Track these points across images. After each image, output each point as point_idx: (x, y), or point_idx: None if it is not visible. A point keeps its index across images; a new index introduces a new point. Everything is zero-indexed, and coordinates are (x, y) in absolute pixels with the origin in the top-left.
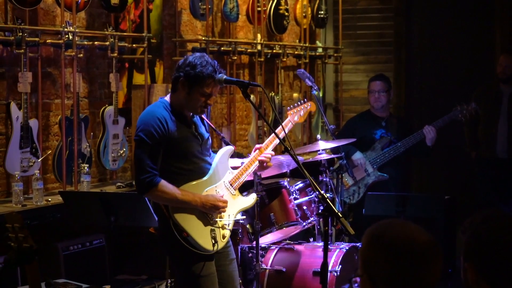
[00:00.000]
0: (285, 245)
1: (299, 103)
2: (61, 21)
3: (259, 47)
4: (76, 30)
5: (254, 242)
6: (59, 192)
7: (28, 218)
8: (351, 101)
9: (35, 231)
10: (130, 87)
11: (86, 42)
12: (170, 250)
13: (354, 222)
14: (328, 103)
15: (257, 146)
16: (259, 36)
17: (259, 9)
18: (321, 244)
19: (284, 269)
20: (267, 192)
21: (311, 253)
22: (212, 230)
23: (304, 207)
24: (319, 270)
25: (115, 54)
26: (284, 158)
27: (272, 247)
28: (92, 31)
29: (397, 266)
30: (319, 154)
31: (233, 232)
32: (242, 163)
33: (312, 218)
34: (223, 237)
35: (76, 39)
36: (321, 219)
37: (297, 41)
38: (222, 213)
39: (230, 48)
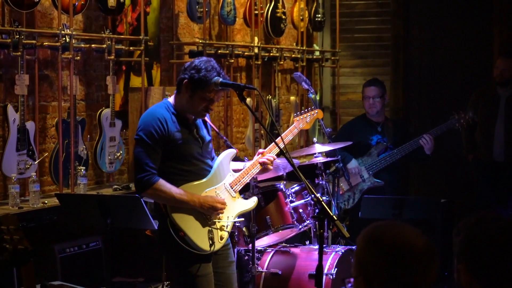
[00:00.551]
0: (281, 248)
1: (306, 110)
2: (58, 23)
3: (256, 50)
4: (73, 33)
5: (250, 245)
6: (56, 194)
7: (24, 220)
8: (348, 104)
9: (32, 233)
10: (127, 90)
11: (83, 45)
12: (167, 250)
13: (350, 225)
14: (325, 106)
15: (260, 150)
16: (256, 39)
17: (256, 12)
18: (317, 247)
19: (280, 272)
20: (263, 195)
21: (307, 256)
22: (209, 231)
23: (300, 210)
24: (315, 273)
25: (112, 57)
26: (280, 161)
27: (268, 250)
28: (89, 34)
29: (394, 268)
30: (315, 157)
31: (230, 235)
32: (245, 166)
33: (308, 221)
34: (221, 238)
35: (73, 42)
36: (316, 222)
37: (294, 44)
38: (221, 215)
39: (227, 51)
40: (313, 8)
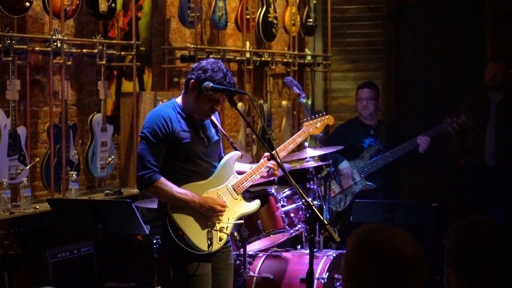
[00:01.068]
0: (272, 253)
1: (317, 115)
2: (50, 28)
3: (248, 55)
4: (65, 38)
5: (242, 249)
6: (47, 199)
7: (16, 225)
8: (340, 108)
9: (23, 238)
10: (119, 95)
11: (74, 50)
12: (167, 248)
13: (342, 229)
14: (317, 111)
15: (266, 154)
16: (248, 43)
17: (247, 17)
18: (308, 251)
19: (271, 277)
20: (254, 199)
21: (298, 261)
22: (209, 232)
23: (292, 215)
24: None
25: (104, 62)
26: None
27: (259, 255)
28: (80, 39)
29: (384, 275)
30: (307, 161)
31: None
32: (251, 168)
33: (299, 226)
34: (220, 239)
35: (65, 47)
36: (307, 226)
37: (286, 48)
38: (221, 216)
39: (219, 56)
40: (305, 13)
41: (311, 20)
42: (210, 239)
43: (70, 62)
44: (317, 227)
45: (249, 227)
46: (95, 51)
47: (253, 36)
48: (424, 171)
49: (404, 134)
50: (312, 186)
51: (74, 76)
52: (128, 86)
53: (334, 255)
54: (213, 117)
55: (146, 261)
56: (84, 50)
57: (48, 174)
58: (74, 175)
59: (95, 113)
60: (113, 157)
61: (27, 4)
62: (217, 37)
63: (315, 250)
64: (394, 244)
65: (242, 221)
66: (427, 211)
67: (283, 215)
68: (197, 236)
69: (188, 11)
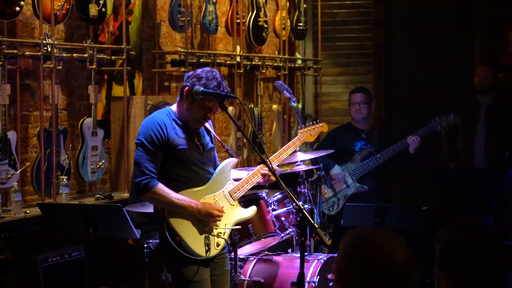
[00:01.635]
0: (263, 256)
1: (311, 123)
2: (40, 33)
3: (238, 59)
4: (55, 42)
5: (233, 253)
6: (38, 204)
7: (6, 230)
8: (330, 112)
9: (14, 243)
10: (109, 99)
11: (65, 54)
12: (165, 254)
13: (334, 233)
14: (308, 115)
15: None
16: (238, 47)
17: (238, 21)
18: (299, 255)
19: (262, 280)
20: (245, 203)
21: (289, 264)
22: (206, 237)
23: (282, 218)
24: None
25: (94, 66)
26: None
27: (250, 258)
28: (71, 43)
29: (371, 283)
30: (297, 165)
31: None
32: (247, 175)
33: (290, 229)
34: (217, 245)
35: (55, 51)
36: (298, 230)
37: (276, 52)
38: (218, 222)
39: (209, 60)
40: (295, 17)
41: (301, 24)
42: (207, 244)
43: (60, 67)
44: (307, 230)
45: (240, 231)
46: (86, 55)
47: (244, 40)
48: (414, 174)
49: (394, 138)
50: (302, 190)
51: (64, 81)
52: (118, 91)
53: (325, 258)
54: (207, 125)
55: (137, 265)
56: (74, 55)
57: (38, 178)
58: (64, 180)
59: (85, 117)
60: (103, 161)
61: (17, 8)
62: (208, 41)
63: (305, 254)
64: (384, 252)
65: (239, 227)
66: (417, 214)
67: (274, 219)
68: (194, 241)
69: (179, 15)
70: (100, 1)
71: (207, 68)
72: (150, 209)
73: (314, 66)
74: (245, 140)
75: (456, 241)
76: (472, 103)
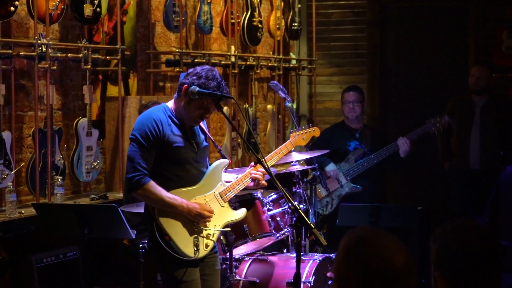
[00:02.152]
0: (258, 256)
1: (303, 127)
2: (35, 33)
3: (233, 59)
4: (50, 42)
5: (228, 254)
6: (33, 204)
7: (1, 230)
8: (325, 112)
9: (8, 243)
10: (104, 99)
11: (59, 54)
12: (155, 253)
13: (328, 233)
14: (302, 115)
15: (253, 163)
16: (233, 48)
17: (232, 21)
18: (294, 255)
19: (258, 280)
20: (240, 204)
21: (284, 264)
22: (195, 238)
23: (278, 218)
24: (292, 281)
25: (89, 66)
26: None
27: (246, 258)
28: (65, 43)
29: (369, 286)
30: (293, 165)
31: None
32: (237, 177)
33: (285, 229)
34: (206, 246)
35: (50, 51)
36: (293, 230)
37: (271, 53)
38: (208, 223)
39: (204, 60)
40: (290, 17)
41: (295, 24)
42: (196, 245)
43: (55, 67)
44: (303, 230)
45: (235, 231)
46: (80, 55)
47: (238, 40)
48: (408, 174)
49: (388, 138)
50: (298, 190)
51: (59, 81)
52: (113, 91)
53: (320, 258)
54: (201, 124)
55: (132, 265)
56: (69, 55)
57: (33, 179)
58: (59, 180)
59: (80, 117)
60: (98, 161)
61: (12, 8)
62: (202, 41)
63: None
64: (383, 254)
65: (229, 229)
66: (413, 214)
67: (269, 219)
68: (183, 242)
69: (173, 16)
70: (95, 1)
71: (208, 67)
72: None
73: (309, 66)
74: (239, 140)
75: (453, 242)
76: (467, 103)
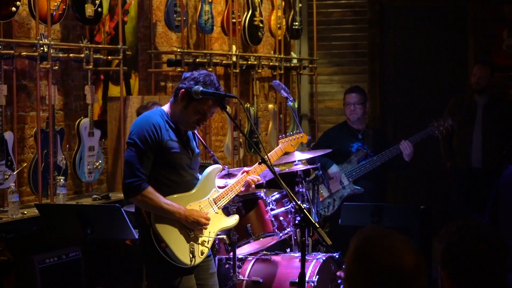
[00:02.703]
0: (262, 256)
1: (291, 133)
2: (36, 33)
3: (234, 59)
4: (51, 43)
5: (231, 253)
6: (35, 205)
7: (3, 231)
8: (326, 111)
9: (11, 244)
10: (106, 99)
11: (61, 55)
12: (149, 261)
13: (330, 232)
14: (303, 114)
15: (245, 169)
16: (234, 47)
17: (234, 20)
18: (297, 254)
19: (261, 280)
20: (243, 203)
21: (288, 264)
22: (191, 245)
23: (281, 218)
24: (296, 280)
25: (90, 66)
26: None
27: (249, 258)
28: (67, 43)
29: (378, 286)
30: (295, 165)
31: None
32: (226, 184)
33: (288, 229)
34: (201, 253)
35: (51, 52)
36: (298, 230)
37: (272, 52)
38: (204, 230)
39: (205, 60)
40: (290, 16)
41: (296, 23)
42: (192, 252)
43: (56, 67)
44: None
45: (239, 230)
46: (82, 55)
47: (239, 40)
48: (410, 174)
49: (388, 138)
50: (300, 190)
51: (60, 81)
52: (115, 91)
53: (324, 258)
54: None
55: (134, 266)
56: (70, 55)
57: (35, 179)
58: (61, 180)
59: (82, 117)
60: (100, 161)
61: (13, 9)
62: (203, 41)
63: None
64: (393, 256)
65: (224, 236)
66: (414, 214)
67: (272, 219)
68: (180, 249)
69: (174, 15)
70: (96, 1)
71: (204, 71)
72: None
73: (310, 66)
74: (241, 140)
75: (457, 242)
76: (468, 102)
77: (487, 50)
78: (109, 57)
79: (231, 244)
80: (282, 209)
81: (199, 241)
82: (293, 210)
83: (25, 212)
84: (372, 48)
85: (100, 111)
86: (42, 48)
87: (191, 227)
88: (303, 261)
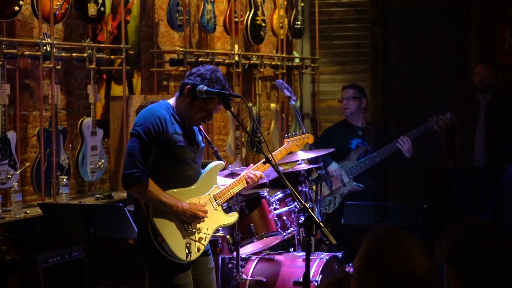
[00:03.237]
0: (265, 256)
1: (297, 133)
2: (39, 32)
3: (236, 58)
4: (54, 42)
5: (235, 253)
6: (39, 204)
7: (7, 230)
8: (328, 111)
9: (14, 243)
10: (108, 99)
11: (64, 54)
12: (146, 257)
13: (333, 231)
14: (305, 113)
15: (251, 165)
16: (236, 46)
17: (236, 19)
18: (301, 254)
19: (264, 280)
20: (247, 203)
21: (291, 263)
22: (187, 241)
23: (284, 217)
24: (299, 280)
25: (93, 66)
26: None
27: (252, 258)
28: (70, 43)
29: None
30: (298, 164)
31: (213, 243)
32: (223, 185)
33: (292, 228)
34: (198, 249)
35: (54, 51)
36: (301, 229)
37: (274, 51)
38: (201, 225)
39: (208, 59)
40: (293, 16)
41: (298, 22)
42: (188, 248)
43: (59, 66)
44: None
45: (242, 230)
46: (85, 55)
47: (242, 39)
48: (412, 172)
49: (392, 136)
50: (303, 189)
51: (63, 80)
52: (117, 90)
53: (327, 257)
54: None
55: (137, 265)
56: (73, 54)
57: (38, 178)
58: (64, 180)
59: (84, 117)
60: (103, 161)
61: (16, 8)
62: (206, 40)
63: None
64: (405, 261)
65: (222, 234)
66: (417, 213)
67: (276, 218)
68: (176, 244)
69: (177, 14)
70: (99, 1)
71: (210, 67)
72: None
73: (312, 65)
74: (243, 139)
75: (463, 242)
76: (471, 101)
77: (489, 49)
78: (111, 57)
79: (235, 244)
80: (286, 208)
81: (196, 238)
82: (296, 209)
83: (28, 212)
84: (375, 47)
85: (102, 110)
86: (45, 48)
87: (189, 221)
88: (307, 260)
